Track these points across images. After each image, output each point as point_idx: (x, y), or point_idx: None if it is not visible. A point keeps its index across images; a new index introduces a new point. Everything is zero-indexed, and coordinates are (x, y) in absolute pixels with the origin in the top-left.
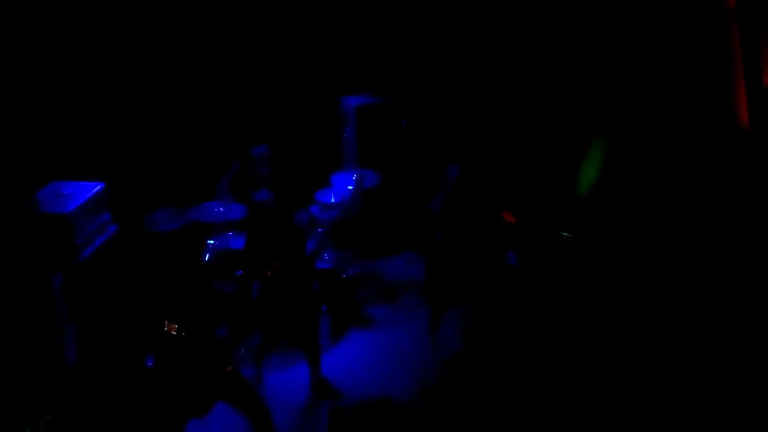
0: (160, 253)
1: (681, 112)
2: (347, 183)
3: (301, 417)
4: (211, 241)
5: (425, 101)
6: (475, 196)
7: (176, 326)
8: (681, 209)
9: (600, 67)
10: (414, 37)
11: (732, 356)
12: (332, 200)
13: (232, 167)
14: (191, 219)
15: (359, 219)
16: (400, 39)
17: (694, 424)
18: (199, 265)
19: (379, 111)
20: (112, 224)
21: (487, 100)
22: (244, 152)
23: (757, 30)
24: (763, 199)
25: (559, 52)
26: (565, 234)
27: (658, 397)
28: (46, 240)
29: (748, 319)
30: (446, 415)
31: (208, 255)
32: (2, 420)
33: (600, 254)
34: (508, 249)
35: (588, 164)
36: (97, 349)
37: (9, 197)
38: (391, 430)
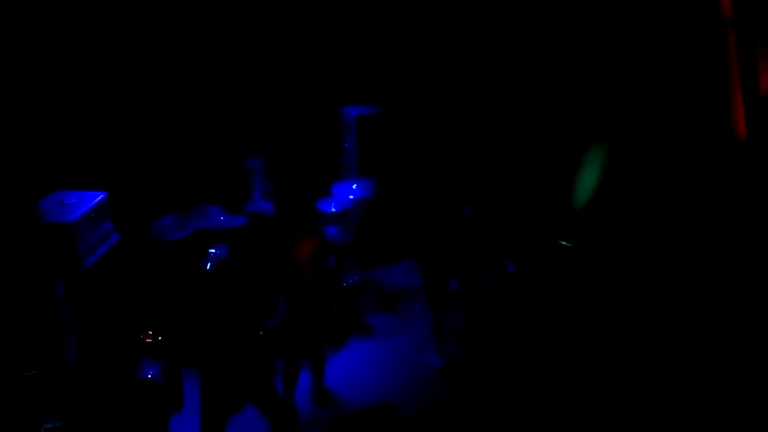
0: (164, 261)
1: (679, 122)
2: (348, 192)
3: (302, 425)
4: (213, 250)
5: (425, 111)
6: (456, 202)
7: (151, 333)
8: (679, 218)
9: (598, 77)
10: (414, 47)
11: (730, 370)
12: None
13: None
14: (196, 226)
15: (359, 228)
16: (401, 50)
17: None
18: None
19: (380, 121)
20: (114, 233)
21: (486, 109)
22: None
23: (753, 40)
24: (761, 207)
25: (558, 62)
26: (564, 243)
27: (656, 407)
28: (50, 249)
29: (745, 329)
30: (446, 422)
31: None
32: (4, 427)
33: (598, 263)
34: (507, 258)
35: (586, 173)
36: (98, 356)
37: (13, 206)
38: None
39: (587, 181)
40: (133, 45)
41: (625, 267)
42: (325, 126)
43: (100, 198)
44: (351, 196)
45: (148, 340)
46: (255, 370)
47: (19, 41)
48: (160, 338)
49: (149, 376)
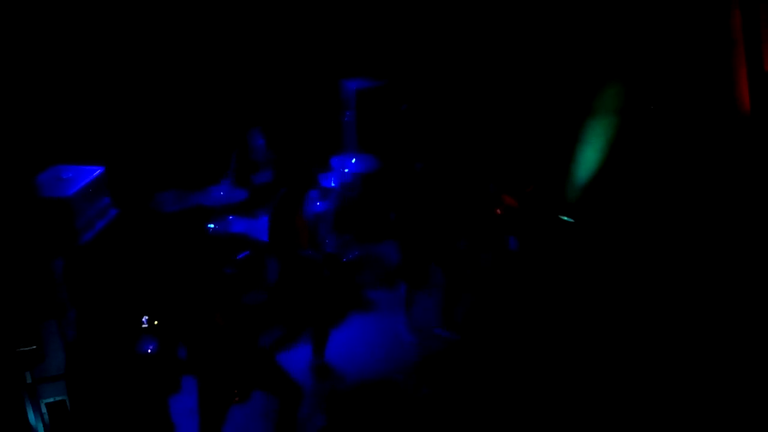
0: (164, 235)
1: (682, 96)
2: (347, 166)
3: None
4: (211, 225)
5: (425, 85)
6: (480, 179)
7: (147, 318)
8: (682, 193)
9: (600, 51)
10: (414, 20)
11: (731, 336)
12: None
13: (233, 157)
14: (194, 202)
15: (359, 203)
16: (401, 22)
17: (691, 416)
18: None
19: (380, 94)
20: (112, 208)
21: (487, 83)
22: (243, 139)
23: (758, 14)
24: (765, 182)
25: (558, 33)
26: (565, 218)
27: (657, 387)
28: (47, 224)
29: (749, 304)
30: (445, 396)
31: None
32: (4, 403)
33: (601, 238)
34: (509, 234)
35: (588, 147)
36: (98, 332)
37: (9, 182)
38: (390, 411)
39: (589, 156)
40: (129, 19)
41: (628, 242)
42: (325, 99)
43: (97, 172)
44: (347, 170)
45: (144, 325)
46: (249, 350)
47: (15, 19)
48: (156, 322)
49: (148, 351)
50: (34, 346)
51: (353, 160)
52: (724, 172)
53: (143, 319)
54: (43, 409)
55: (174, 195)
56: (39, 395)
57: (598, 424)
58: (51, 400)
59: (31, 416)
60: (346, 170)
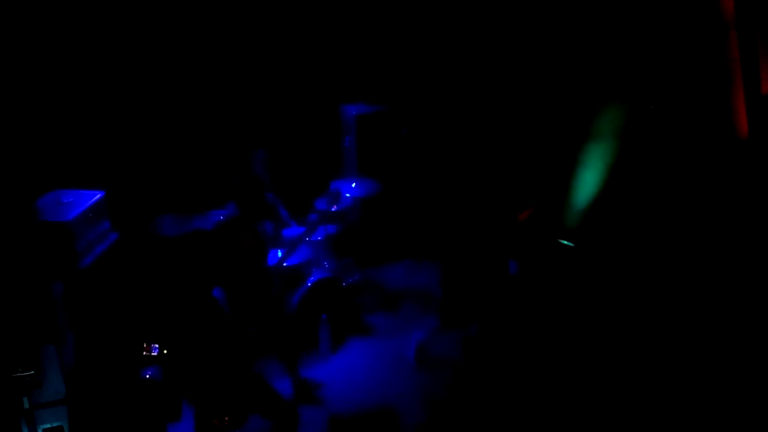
0: (163, 259)
1: (680, 121)
2: (347, 191)
3: (301, 425)
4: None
5: (426, 110)
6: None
7: (157, 346)
8: (680, 218)
9: (599, 76)
10: (415, 45)
11: (730, 372)
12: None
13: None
14: (194, 226)
15: (360, 227)
16: (401, 47)
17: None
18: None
19: (380, 119)
20: (112, 232)
21: (486, 106)
22: (245, 159)
23: (755, 40)
24: (762, 207)
25: (557, 59)
26: (565, 242)
27: (655, 409)
28: (47, 248)
29: (745, 330)
30: (445, 423)
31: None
32: (1, 429)
33: (601, 263)
34: (509, 258)
35: (588, 170)
36: (97, 356)
37: (9, 205)
38: None
39: (589, 180)
40: (131, 42)
41: (628, 266)
42: (325, 124)
43: (98, 197)
44: (349, 194)
45: (153, 354)
46: (243, 374)
47: (18, 37)
48: (165, 351)
49: (147, 376)
50: (32, 371)
51: (353, 185)
52: (723, 197)
53: (154, 347)
54: None
55: (174, 219)
56: (36, 421)
57: None
58: (48, 426)
59: None
60: (347, 195)
